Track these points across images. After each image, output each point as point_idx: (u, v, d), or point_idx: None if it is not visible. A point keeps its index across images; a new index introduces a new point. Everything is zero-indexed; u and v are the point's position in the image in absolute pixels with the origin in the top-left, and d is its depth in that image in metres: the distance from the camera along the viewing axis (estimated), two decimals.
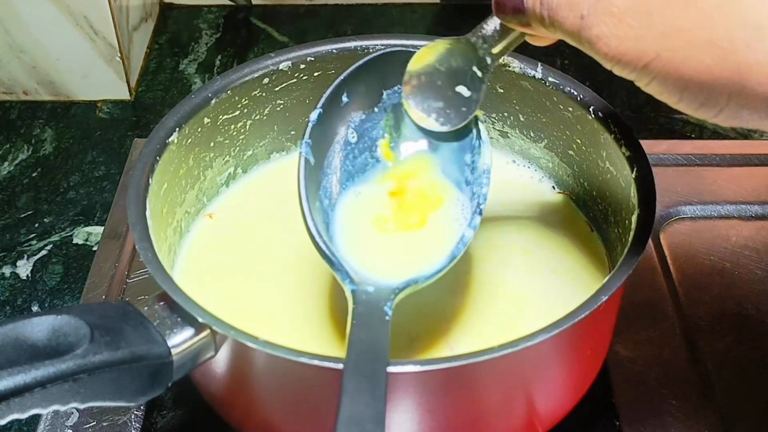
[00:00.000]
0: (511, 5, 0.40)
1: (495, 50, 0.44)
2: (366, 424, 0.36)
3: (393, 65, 0.47)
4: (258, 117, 0.56)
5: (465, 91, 0.45)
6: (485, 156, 0.46)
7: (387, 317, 0.41)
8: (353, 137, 0.47)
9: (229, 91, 0.53)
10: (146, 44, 0.84)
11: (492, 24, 0.44)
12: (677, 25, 0.34)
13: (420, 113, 0.46)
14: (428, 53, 0.46)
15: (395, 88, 0.47)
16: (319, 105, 0.46)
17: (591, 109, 0.51)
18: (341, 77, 0.46)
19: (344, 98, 0.47)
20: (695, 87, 0.34)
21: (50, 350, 0.38)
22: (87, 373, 0.38)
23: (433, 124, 0.46)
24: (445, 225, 0.46)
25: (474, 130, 0.46)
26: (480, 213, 0.45)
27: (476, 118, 0.46)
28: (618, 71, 0.37)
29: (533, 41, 0.44)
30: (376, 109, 0.48)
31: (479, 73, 0.45)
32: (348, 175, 0.47)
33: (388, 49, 0.47)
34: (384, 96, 0.48)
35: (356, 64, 0.46)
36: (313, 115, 0.45)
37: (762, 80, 0.33)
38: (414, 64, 0.46)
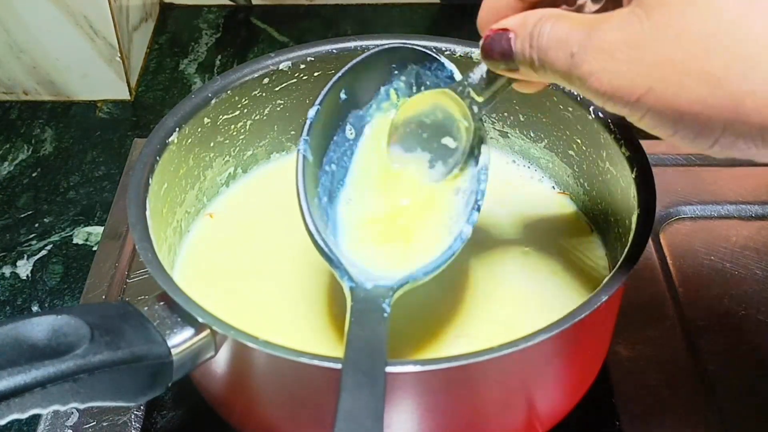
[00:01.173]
0: (498, 50, 0.40)
1: (481, 99, 0.44)
2: (365, 421, 0.36)
3: (391, 61, 0.47)
4: (258, 117, 0.56)
5: (451, 143, 0.46)
6: (483, 153, 0.46)
7: (385, 314, 0.41)
8: (351, 133, 0.47)
9: (229, 91, 0.53)
10: (146, 44, 0.84)
11: (479, 71, 0.44)
12: (669, 57, 0.33)
13: (406, 163, 0.46)
14: (414, 105, 0.46)
15: (393, 83, 0.47)
16: (317, 102, 0.46)
17: (591, 109, 0.51)
18: (339, 74, 0.46)
19: (342, 95, 0.47)
20: (690, 119, 0.34)
21: (50, 350, 0.38)
22: (87, 373, 0.38)
23: (418, 175, 0.46)
24: (444, 222, 0.46)
25: None
26: (478, 209, 0.44)
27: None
28: (610, 107, 0.36)
29: (521, 88, 0.44)
30: (373, 105, 0.48)
31: (466, 123, 0.45)
32: (346, 171, 0.47)
33: (386, 46, 0.47)
34: (381, 92, 0.47)
35: (354, 61, 0.46)
36: (311, 112, 0.45)
37: (758, 109, 0.33)
38: (400, 116, 0.46)
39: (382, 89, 0.48)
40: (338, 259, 0.43)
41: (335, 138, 0.47)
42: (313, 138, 0.45)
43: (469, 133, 0.45)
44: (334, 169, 0.47)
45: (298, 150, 0.45)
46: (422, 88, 0.47)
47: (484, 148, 0.46)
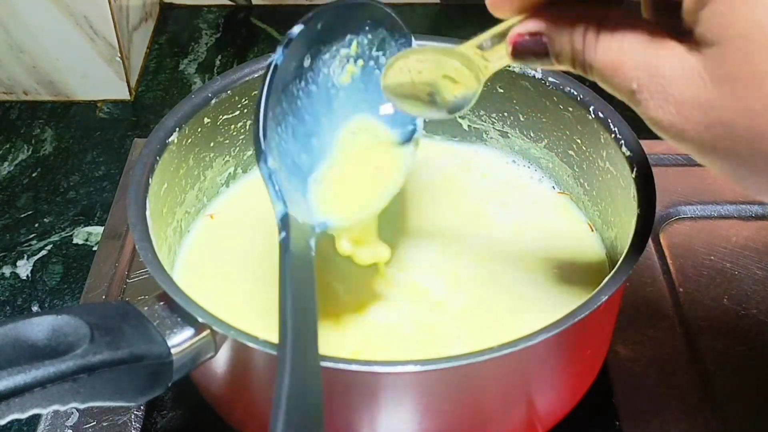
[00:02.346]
0: (533, 53, 0.37)
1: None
2: (310, 354, 0.37)
3: (368, 18, 0.47)
4: None
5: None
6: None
7: (312, 252, 0.42)
8: (307, 62, 0.46)
9: (229, 91, 0.53)
10: (146, 44, 0.84)
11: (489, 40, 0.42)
12: (748, 108, 0.31)
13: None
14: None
15: (359, 37, 0.47)
16: (302, 20, 0.45)
17: (591, 109, 0.51)
18: (326, 6, 0.46)
19: (319, 25, 0.46)
20: (762, 171, 0.32)
21: (50, 350, 0.38)
22: (87, 373, 0.38)
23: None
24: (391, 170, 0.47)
25: None
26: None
27: None
28: (672, 143, 0.34)
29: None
30: (335, 47, 0.47)
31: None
32: (291, 97, 0.46)
33: (373, 2, 0.47)
34: (346, 39, 0.47)
35: (343, 2, 0.46)
36: (296, 29, 0.44)
37: None
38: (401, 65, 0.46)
39: (348, 36, 0.47)
40: (279, 187, 0.42)
41: (298, 66, 0.46)
42: (287, 55, 0.44)
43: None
44: (289, 97, 0.46)
45: (272, 60, 0.44)
46: (381, 53, 0.48)
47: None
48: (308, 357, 0.37)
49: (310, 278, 0.40)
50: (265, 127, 0.43)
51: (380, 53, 0.48)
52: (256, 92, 0.54)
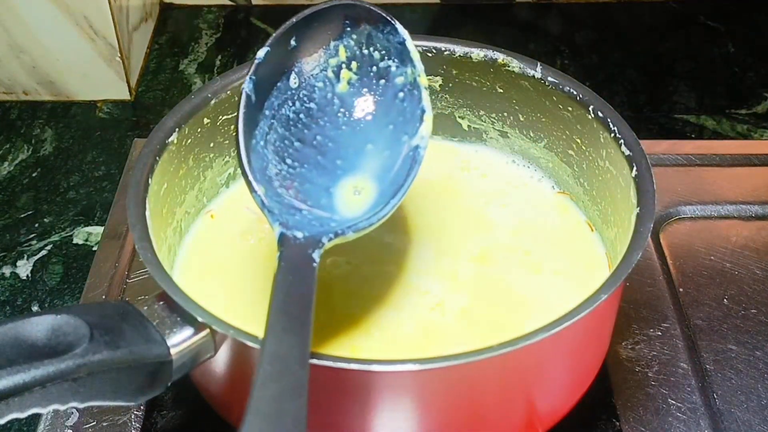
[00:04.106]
0: None
1: None
2: (292, 365, 0.36)
3: (345, 17, 0.46)
4: None
5: None
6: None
7: (314, 264, 0.41)
8: (294, 83, 0.47)
9: (229, 91, 0.53)
10: (146, 44, 0.84)
11: None
12: None
13: None
14: None
15: (344, 40, 0.47)
16: (267, 44, 0.45)
17: (591, 109, 0.51)
18: (292, 20, 0.45)
19: (293, 42, 0.46)
20: None
21: (50, 350, 0.38)
22: (86, 373, 0.38)
23: None
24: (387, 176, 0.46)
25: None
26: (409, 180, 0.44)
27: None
28: None
29: None
30: (321, 59, 0.47)
31: None
32: (287, 120, 0.46)
33: (342, 1, 0.46)
34: (331, 46, 0.47)
35: (308, 11, 0.46)
36: (261, 53, 0.44)
37: None
38: None
39: (332, 43, 0.47)
40: (269, 204, 0.43)
41: (279, 84, 0.46)
42: (259, 79, 0.44)
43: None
44: (275, 115, 0.46)
45: (243, 89, 0.44)
46: (371, 49, 0.47)
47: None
48: (288, 379, 0.36)
49: (307, 292, 0.39)
50: (249, 157, 0.43)
51: (371, 49, 0.47)
52: None
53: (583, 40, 0.85)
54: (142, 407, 0.53)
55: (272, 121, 0.46)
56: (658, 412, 0.53)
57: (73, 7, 0.73)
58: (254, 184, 0.43)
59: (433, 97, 0.58)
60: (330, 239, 0.42)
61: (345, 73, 0.47)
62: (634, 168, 0.48)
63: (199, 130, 0.53)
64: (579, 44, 0.85)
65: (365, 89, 0.47)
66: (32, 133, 0.76)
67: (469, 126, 0.59)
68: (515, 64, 0.54)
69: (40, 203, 0.70)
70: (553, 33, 0.86)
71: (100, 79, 0.77)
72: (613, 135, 0.50)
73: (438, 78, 0.57)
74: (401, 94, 0.46)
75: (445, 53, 0.55)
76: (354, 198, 0.46)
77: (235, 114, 0.44)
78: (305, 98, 0.47)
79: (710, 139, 0.74)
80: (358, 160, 0.47)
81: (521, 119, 0.57)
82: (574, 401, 0.49)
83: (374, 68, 0.47)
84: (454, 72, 0.56)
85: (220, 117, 0.54)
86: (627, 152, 0.49)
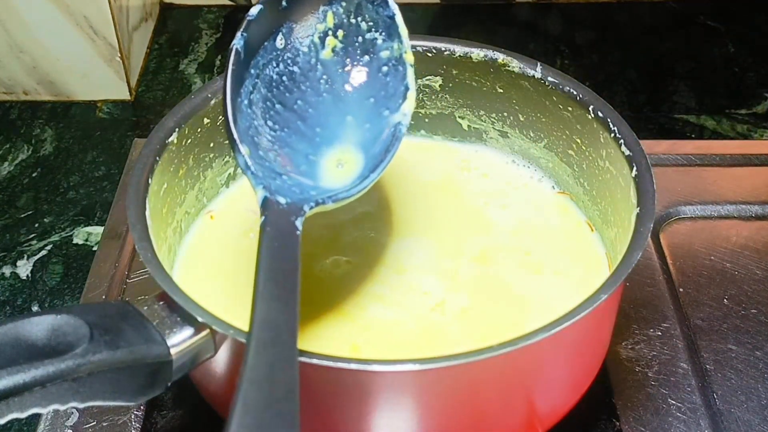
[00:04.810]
0: None
1: None
2: (282, 334, 0.36)
3: None
4: None
5: None
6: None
7: (298, 232, 0.41)
8: (281, 43, 0.46)
9: None
10: (146, 44, 0.84)
11: None
12: None
13: None
14: None
15: (333, 6, 0.47)
16: (261, 1, 0.44)
17: (590, 109, 0.51)
18: None
19: (284, 2, 0.45)
20: None
21: (50, 350, 0.38)
22: (86, 373, 0.38)
23: None
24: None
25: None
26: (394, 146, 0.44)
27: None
28: None
29: None
30: (309, 23, 0.46)
31: None
32: (270, 81, 0.46)
33: None
34: (320, 11, 0.47)
35: None
36: (254, 10, 0.44)
37: None
38: None
39: (322, 8, 0.47)
40: (253, 167, 0.42)
41: (266, 44, 0.46)
42: (250, 36, 0.44)
43: None
44: (259, 75, 0.45)
45: (233, 45, 0.43)
46: (359, 19, 0.47)
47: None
48: (280, 347, 0.36)
49: (292, 260, 0.39)
50: (235, 116, 0.43)
51: (359, 19, 0.47)
52: None
53: (583, 40, 0.85)
54: (142, 407, 0.53)
55: (256, 80, 0.45)
56: (658, 412, 0.53)
57: (73, 7, 0.73)
58: (239, 144, 0.43)
59: (433, 97, 0.58)
60: (311, 207, 0.42)
61: (330, 41, 0.47)
62: (634, 168, 0.48)
63: (199, 130, 0.53)
64: (579, 44, 0.85)
65: (349, 59, 0.47)
66: (32, 133, 0.76)
67: (469, 126, 0.59)
68: (515, 64, 0.54)
69: (40, 203, 0.70)
70: (553, 33, 0.86)
71: (100, 79, 0.77)
72: (613, 135, 0.50)
73: (438, 78, 0.57)
74: (385, 68, 0.46)
75: (445, 53, 0.55)
76: (337, 170, 0.46)
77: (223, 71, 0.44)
78: (289, 61, 0.46)
79: (710, 139, 0.74)
80: (338, 130, 0.47)
81: (521, 119, 0.57)
82: (574, 401, 0.49)
83: (360, 39, 0.47)
84: (454, 72, 0.56)
85: (220, 117, 0.54)
86: (627, 152, 0.49)
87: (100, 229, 0.67)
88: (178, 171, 0.52)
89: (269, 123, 0.45)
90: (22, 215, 0.69)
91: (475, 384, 0.42)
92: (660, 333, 0.57)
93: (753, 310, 0.59)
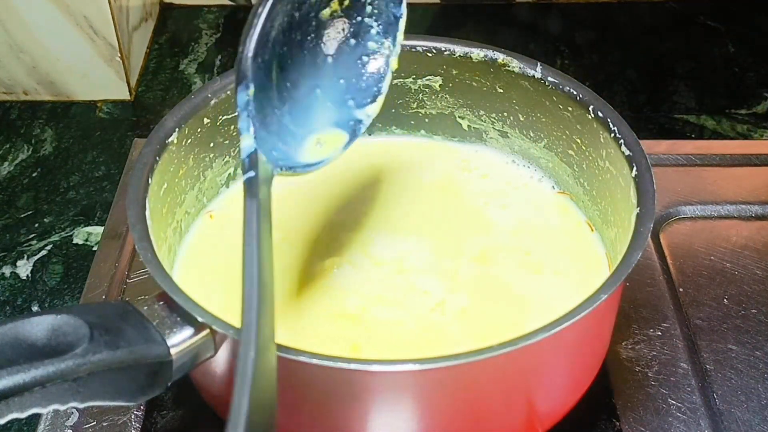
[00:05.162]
0: None
1: None
2: (266, 279, 0.37)
3: None
4: None
5: None
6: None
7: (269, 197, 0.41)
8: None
9: (228, 91, 0.53)
10: (146, 44, 0.84)
11: None
12: None
13: None
14: None
15: None
16: None
17: (590, 109, 0.51)
18: None
19: None
20: None
21: (50, 350, 0.38)
22: (86, 373, 0.38)
23: None
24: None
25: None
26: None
27: None
28: None
29: None
30: None
31: None
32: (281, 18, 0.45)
33: None
34: None
35: None
36: None
37: None
38: None
39: None
40: (253, 119, 0.42)
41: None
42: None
43: None
44: (277, 28, 0.44)
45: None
46: (367, 1, 0.46)
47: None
48: (267, 331, 0.36)
49: (268, 230, 0.39)
50: (256, 51, 0.42)
51: (367, 0, 0.46)
52: None
53: (583, 40, 0.85)
54: (142, 407, 0.53)
55: (277, 34, 0.44)
56: (658, 412, 0.53)
57: (73, 7, 0.73)
58: (250, 79, 0.42)
59: (433, 97, 0.58)
60: (278, 172, 0.42)
61: (334, 4, 0.46)
62: (634, 168, 0.48)
63: (199, 130, 0.53)
64: (579, 44, 0.85)
65: (339, 31, 0.47)
66: (32, 133, 0.76)
67: (469, 126, 0.59)
68: (515, 64, 0.54)
69: (40, 203, 0.70)
70: (553, 33, 0.86)
71: (100, 79, 0.77)
72: (613, 135, 0.50)
73: (438, 78, 0.57)
74: (365, 59, 0.46)
75: (445, 53, 0.55)
76: (316, 149, 0.46)
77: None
78: (296, 3, 0.45)
79: (710, 139, 0.74)
80: (306, 96, 0.46)
81: (521, 119, 0.57)
82: (574, 401, 0.49)
83: (358, 19, 0.46)
84: (454, 72, 0.56)
85: (220, 117, 0.54)
86: (627, 152, 0.49)
87: (100, 229, 0.67)
88: (178, 171, 0.52)
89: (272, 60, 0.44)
90: (22, 215, 0.69)
91: (475, 384, 0.42)
92: (660, 333, 0.57)
93: (753, 310, 0.59)
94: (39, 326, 0.39)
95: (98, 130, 0.76)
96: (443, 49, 0.55)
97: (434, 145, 0.60)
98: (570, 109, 0.53)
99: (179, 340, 0.41)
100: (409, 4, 0.86)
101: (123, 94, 0.79)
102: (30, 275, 0.64)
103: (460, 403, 0.43)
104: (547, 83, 0.53)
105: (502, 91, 0.56)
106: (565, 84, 0.53)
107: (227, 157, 0.56)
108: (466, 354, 0.40)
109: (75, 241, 0.67)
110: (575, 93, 0.52)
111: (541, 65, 0.54)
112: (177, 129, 0.51)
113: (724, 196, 0.65)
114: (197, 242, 0.54)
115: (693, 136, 0.75)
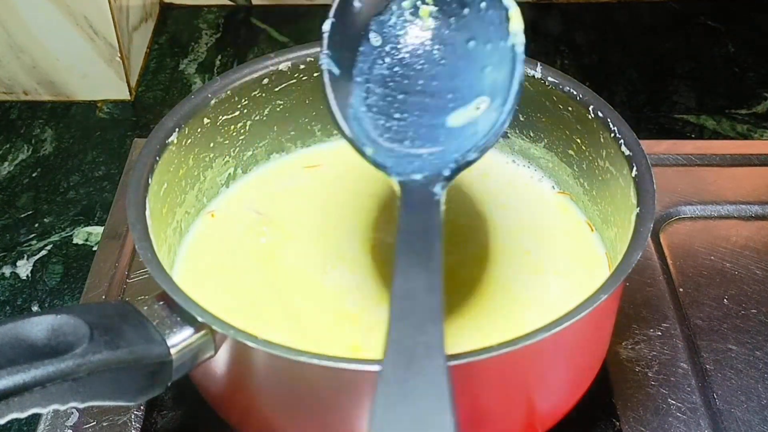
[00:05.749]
0: None
1: None
2: (419, 294, 0.35)
3: None
4: (258, 117, 0.56)
5: None
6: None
7: (436, 197, 0.39)
8: (377, 41, 0.45)
9: (228, 92, 0.53)
10: (146, 44, 0.84)
11: None
12: None
13: None
14: None
15: None
16: (331, 15, 0.43)
17: (590, 109, 0.51)
18: None
19: (356, 3, 0.44)
20: None
21: (50, 350, 0.38)
22: (86, 373, 0.38)
23: None
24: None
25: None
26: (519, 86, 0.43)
27: None
28: None
29: None
30: (394, 7, 0.45)
31: None
32: (383, 79, 0.45)
33: None
34: None
35: None
36: (326, 26, 0.43)
37: None
38: None
39: None
40: (382, 161, 0.41)
41: (361, 48, 0.45)
42: (335, 51, 0.43)
43: None
44: (369, 78, 0.44)
45: (321, 65, 0.43)
46: None
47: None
48: (420, 312, 0.35)
49: (432, 226, 0.38)
50: (350, 127, 0.42)
51: None
52: (256, 93, 0.55)
53: (583, 40, 0.85)
54: (142, 407, 0.53)
55: (367, 85, 0.44)
56: (658, 412, 0.53)
57: (73, 7, 0.73)
58: (363, 148, 0.42)
59: None
60: (451, 169, 0.41)
61: (423, 10, 0.45)
62: (634, 168, 0.48)
63: (199, 130, 0.53)
64: (579, 44, 0.85)
65: (449, 17, 0.45)
66: (32, 133, 0.76)
67: None
68: None
69: (40, 203, 0.70)
70: (553, 33, 0.86)
71: (100, 79, 0.77)
72: (613, 135, 0.50)
73: None
74: (483, 4, 0.44)
75: None
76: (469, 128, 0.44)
77: (321, 90, 0.42)
78: (393, 51, 0.45)
79: (710, 139, 0.74)
80: (466, 87, 0.45)
81: (521, 119, 0.57)
82: (574, 401, 0.49)
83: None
84: None
85: (220, 117, 0.54)
86: (627, 152, 0.49)
87: (100, 229, 0.67)
88: (178, 171, 0.52)
89: (396, 116, 0.44)
90: (22, 215, 0.69)
91: (473, 384, 0.42)
92: (660, 333, 0.57)
93: (753, 310, 0.59)
94: (39, 326, 0.39)
95: (98, 130, 0.77)
96: None
97: None
98: (570, 109, 0.53)
99: (179, 340, 0.41)
100: None
101: (123, 94, 0.79)
102: (30, 275, 0.65)
103: (459, 403, 0.43)
104: (547, 83, 0.53)
105: None
106: (565, 84, 0.53)
107: (227, 157, 0.56)
108: (466, 354, 0.40)
109: (75, 241, 0.67)
110: (575, 93, 0.52)
111: (541, 65, 0.53)
112: (177, 129, 0.51)
113: (724, 196, 0.65)
114: (197, 242, 0.54)
115: (693, 136, 0.75)
